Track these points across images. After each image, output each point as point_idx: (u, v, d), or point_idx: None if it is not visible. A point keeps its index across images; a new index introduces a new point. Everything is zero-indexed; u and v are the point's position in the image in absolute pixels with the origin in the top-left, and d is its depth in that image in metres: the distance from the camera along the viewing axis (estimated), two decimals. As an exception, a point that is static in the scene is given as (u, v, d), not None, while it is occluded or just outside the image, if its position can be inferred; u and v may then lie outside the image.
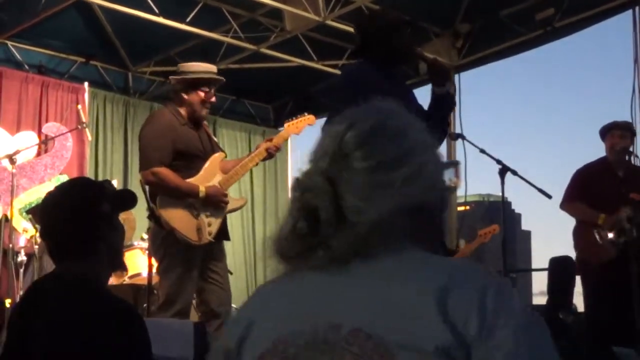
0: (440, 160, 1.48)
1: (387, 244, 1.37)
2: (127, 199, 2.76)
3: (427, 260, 1.38)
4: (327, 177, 1.39)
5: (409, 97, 4.16)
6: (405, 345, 1.25)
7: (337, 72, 9.65)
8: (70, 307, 2.43)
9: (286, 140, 5.62)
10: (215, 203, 5.05)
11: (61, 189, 2.72)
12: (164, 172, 4.92)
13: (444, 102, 4.22)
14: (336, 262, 1.36)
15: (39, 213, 2.67)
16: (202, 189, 4.99)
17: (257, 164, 5.35)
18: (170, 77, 5.31)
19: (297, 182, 1.44)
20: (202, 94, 5.12)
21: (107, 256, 2.58)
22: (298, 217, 1.40)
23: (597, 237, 5.97)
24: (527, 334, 1.26)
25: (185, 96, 5.11)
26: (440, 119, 4.11)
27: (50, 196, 2.64)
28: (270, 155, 5.30)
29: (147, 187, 5.04)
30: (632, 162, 6.18)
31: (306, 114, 5.61)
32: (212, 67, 5.31)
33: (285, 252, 1.43)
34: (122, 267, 2.74)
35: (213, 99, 5.20)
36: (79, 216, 2.54)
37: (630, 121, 6.44)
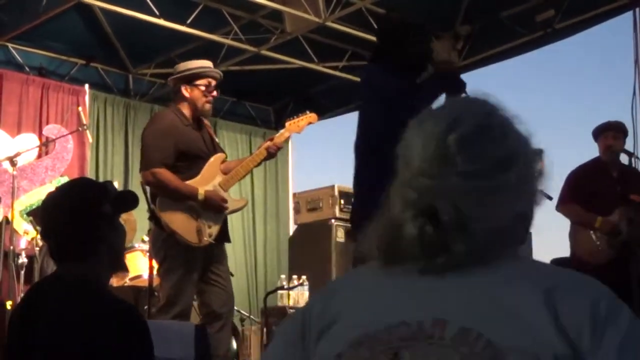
0: (536, 154, 1.40)
1: (499, 248, 1.34)
2: (128, 200, 2.76)
3: (535, 266, 1.36)
4: (434, 179, 1.33)
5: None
6: (518, 349, 1.22)
7: (338, 73, 9.69)
8: (72, 308, 2.43)
9: (287, 139, 5.60)
10: (214, 207, 5.04)
11: (62, 189, 2.73)
12: (164, 173, 4.92)
13: None
14: (453, 266, 1.32)
15: (39, 213, 2.67)
16: (201, 192, 4.98)
17: (258, 164, 5.33)
18: (168, 79, 5.32)
19: (409, 184, 1.36)
20: (202, 88, 5.12)
21: (108, 257, 2.58)
22: (422, 222, 1.33)
23: (594, 238, 5.96)
24: (634, 350, 1.24)
25: (187, 93, 5.11)
26: None
27: (50, 196, 2.64)
28: (270, 154, 5.27)
29: (147, 189, 5.05)
30: (634, 163, 6.18)
31: (308, 112, 5.59)
32: (207, 62, 5.30)
33: (401, 256, 1.36)
34: (123, 268, 2.75)
35: (215, 93, 5.19)
36: (79, 217, 2.54)
37: (631, 122, 6.43)
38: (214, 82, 5.18)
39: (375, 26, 8.34)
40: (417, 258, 1.34)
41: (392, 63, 4.17)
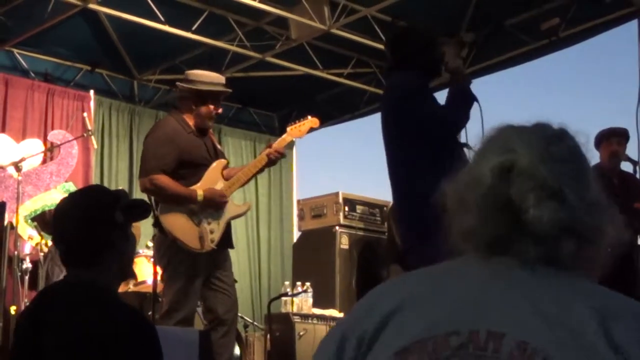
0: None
1: (575, 258, 1.36)
2: (140, 209, 2.78)
3: (592, 286, 1.37)
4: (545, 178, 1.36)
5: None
6: None
7: (342, 80, 9.70)
8: (81, 312, 2.44)
9: (288, 143, 5.57)
10: (214, 204, 5.03)
11: (75, 195, 2.74)
12: (161, 179, 4.91)
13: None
14: (542, 261, 1.34)
15: (53, 218, 2.69)
16: (200, 193, 4.97)
17: (260, 171, 5.30)
18: (178, 83, 5.28)
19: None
20: (210, 107, 5.11)
21: (117, 264, 2.59)
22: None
23: None
24: None
25: (194, 106, 5.10)
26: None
27: (64, 202, 2.65)
28: (271, 160, 5.23)
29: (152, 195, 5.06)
30: (637, 170, 6.18)
31: (309, 117, 5.58)
32: (221, 78, 5.28)
33: (499, 238, 1.36)
34: (131, 276, 2.76)
35: (220, 111, 5.20)
36: (91, 223, 2.55)
37: (635, 130, 6.43)
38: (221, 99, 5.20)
39: (381, 33, 8.37)
40: (508, 246, 1.35)
41: (414, 70, 4.23)
